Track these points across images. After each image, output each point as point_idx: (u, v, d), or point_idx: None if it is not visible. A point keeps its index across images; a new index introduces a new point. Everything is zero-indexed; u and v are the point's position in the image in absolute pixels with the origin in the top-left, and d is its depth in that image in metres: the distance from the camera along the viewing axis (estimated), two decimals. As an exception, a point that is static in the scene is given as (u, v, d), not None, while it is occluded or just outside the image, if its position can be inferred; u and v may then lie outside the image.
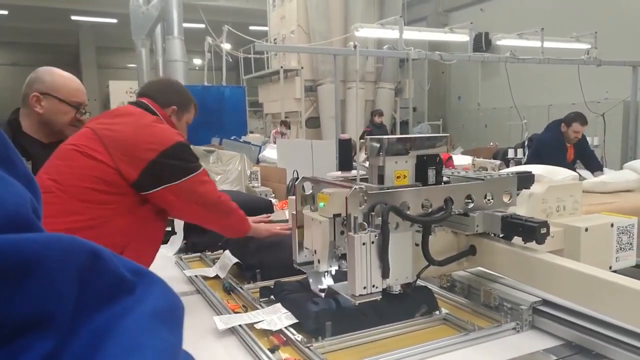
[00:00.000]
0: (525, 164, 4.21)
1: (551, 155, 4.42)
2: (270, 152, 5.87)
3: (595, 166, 4.70)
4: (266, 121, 13.14)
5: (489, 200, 1.41)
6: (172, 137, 1.63)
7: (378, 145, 1.29)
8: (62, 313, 0.34)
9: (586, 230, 1.60)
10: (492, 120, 11.81)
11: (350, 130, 8.98)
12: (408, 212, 1.27)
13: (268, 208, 2.48)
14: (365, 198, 1.22)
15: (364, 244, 1.19)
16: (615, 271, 1.65)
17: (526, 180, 1.65)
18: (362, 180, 1.38)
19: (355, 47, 5.65)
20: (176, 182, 1.60)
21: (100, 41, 19.37)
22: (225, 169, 4.07)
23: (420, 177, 1.36)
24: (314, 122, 11.09)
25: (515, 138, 7.77)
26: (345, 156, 1.42)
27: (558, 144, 4.65)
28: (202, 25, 10.55)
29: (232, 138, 6.65)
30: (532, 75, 9.99)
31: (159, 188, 1.59)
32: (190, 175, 1.63)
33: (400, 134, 10.68)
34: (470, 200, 1.38)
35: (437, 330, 1.41)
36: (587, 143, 4.93)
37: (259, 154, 6.09)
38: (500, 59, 6.74)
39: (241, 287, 1.74)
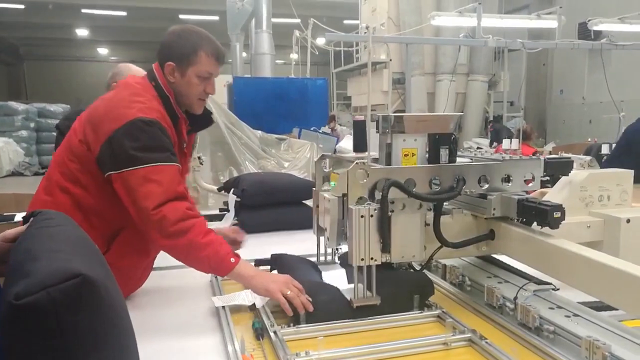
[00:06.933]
0: (609, 157, 3.81)
1: None
2: (346, 143, 5.95)
3: None
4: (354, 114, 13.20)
5: (507, 182, 1.36)
6: (130, 113, 1.41)
7: (386, 122, 1.31)
8: None
9: (628, 221, 1.48)
10: (598, 115, 10.81)
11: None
12: (414, 190, 1.28)
13: (307, 190, 2.48)
14: (368, 173, 1.25)
15: (362, 216, 1.22)
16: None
17: (564, 166, 1.56)
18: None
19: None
20: (117, 172, 1.40)
21: (205, 38, 20.64)
22: (295, 156, 4.27)
23: (433, 156, 1.35)
24: (400, 115, 10.94)
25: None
26: (360, 138, 1.45)
27: None
28: (298, 20, 10.80)
29: (312, 129, 6.84)
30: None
31: (112, 173, 1.41)
32: (134, 167, 1.37)
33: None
34: (485, 182, 1.34)
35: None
36: None
37: (336, 144, 6.20)
38: (594, 46, 6.16)
39: (275, 332, 1.23)
